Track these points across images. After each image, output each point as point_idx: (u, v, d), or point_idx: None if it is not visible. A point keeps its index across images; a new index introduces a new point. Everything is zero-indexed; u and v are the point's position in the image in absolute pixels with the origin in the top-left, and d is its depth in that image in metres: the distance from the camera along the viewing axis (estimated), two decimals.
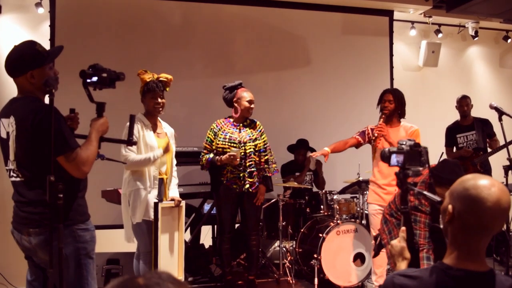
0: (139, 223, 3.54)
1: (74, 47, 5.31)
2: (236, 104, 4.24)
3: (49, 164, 2.14)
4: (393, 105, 4.02)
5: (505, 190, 1.44)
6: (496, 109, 3.80)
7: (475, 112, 5.63)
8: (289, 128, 5.92)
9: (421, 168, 2.02)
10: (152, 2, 5.75)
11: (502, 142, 3.67)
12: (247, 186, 4.15)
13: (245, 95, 4.23)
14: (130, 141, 2.71)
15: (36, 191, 2.30)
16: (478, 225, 1.42)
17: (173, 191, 3.78)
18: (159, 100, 3.69)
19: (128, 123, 2.76)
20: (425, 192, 2.12)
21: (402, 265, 1.79)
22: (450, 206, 1.45)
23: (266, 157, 4.27)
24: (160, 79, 3.70)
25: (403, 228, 1.90)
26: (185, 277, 4.74)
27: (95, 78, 2.41)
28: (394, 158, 2.01)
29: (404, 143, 2.00)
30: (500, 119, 3.76)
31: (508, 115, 3.75)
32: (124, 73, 2.55)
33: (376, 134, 4.04)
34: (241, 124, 4.27)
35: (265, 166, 4.25)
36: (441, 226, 1.61)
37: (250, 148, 4.16)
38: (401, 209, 2.05)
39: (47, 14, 5.47)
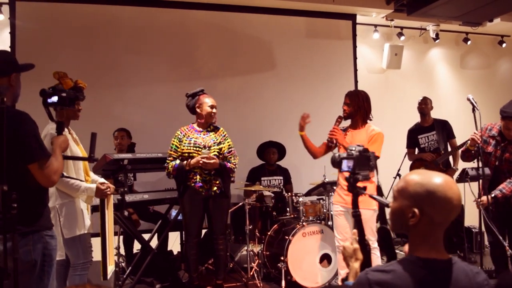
0: (81, 235, 3.23)
1: (35, 53, 5.24)
2: (198, 110, 4.31)
3: (25, 171, 2.24)
4: (351, 108, 4.03)
5: (454, 181, 1.57)
6: (471, 102, 3.94)
7: (437, 113, 5.76)
8: (255, 132, 5.96)
9: (370, 173, 2.08)
10: (115, 8, 5.71)
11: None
12: (215, 188, 4.20)
13: (207, 100, 4.31)
14: (91, 158, 2.71)
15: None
16: (445, 221, 1.54)
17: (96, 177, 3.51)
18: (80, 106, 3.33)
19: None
20: (374, 196, 2.19)
21: (356, 265, 1.90)
22: (416, 210, 1.52)
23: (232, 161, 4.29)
24: (80, 85, 3.19)
25: (355, 230, 1.97)
26: (153, 284, 4.73)
27: (55, 98, 2.44)
28: (345, 164, 2.06)
29: (353, 148, 2.05)
30: (473, 111, 3.90)
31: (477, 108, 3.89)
32: (84, 93, 2.57)
33: (329, 138, 4.07)
34: (205, 130, 4.32)
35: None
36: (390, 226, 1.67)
37: (214, 152, 4.20)
38: (352, 213, 2.09)
39: (7, 21, 5.39)
